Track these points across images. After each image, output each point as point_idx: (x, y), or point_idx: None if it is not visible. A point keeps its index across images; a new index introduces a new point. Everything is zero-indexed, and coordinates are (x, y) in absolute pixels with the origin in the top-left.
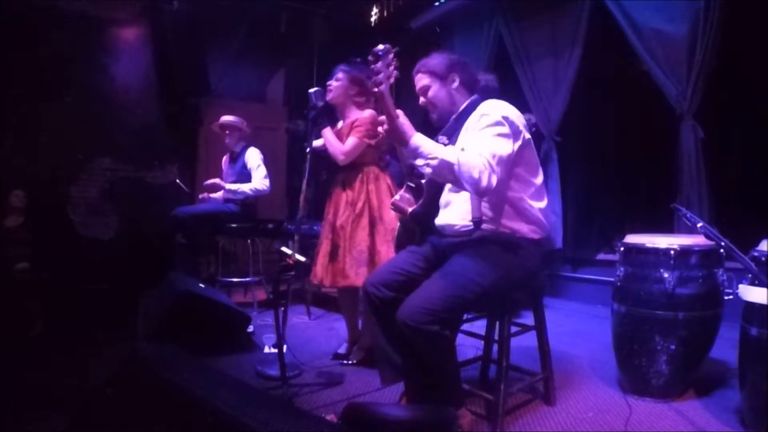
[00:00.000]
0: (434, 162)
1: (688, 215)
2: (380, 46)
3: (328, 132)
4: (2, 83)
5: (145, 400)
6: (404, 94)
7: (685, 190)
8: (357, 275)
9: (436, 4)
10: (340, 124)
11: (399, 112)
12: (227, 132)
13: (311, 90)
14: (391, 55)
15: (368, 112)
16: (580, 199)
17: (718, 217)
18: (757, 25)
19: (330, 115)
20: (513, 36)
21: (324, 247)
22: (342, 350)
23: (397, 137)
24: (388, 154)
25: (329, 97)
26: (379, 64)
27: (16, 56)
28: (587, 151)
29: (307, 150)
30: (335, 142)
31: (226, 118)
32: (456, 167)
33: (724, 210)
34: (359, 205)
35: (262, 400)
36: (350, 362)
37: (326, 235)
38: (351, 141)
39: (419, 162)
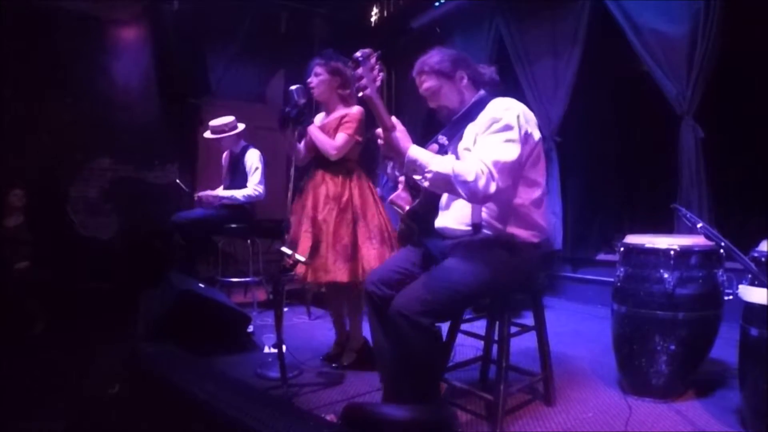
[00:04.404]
0: (429, 175)
1: (688, 215)
2: (358, 53)
3: (314, 128)
4: (2, 83)
5: (145, 400)
6: (405, 95)
7: (685, 190)
8: (339, 270)
9: (436, 4)
10: (321, 116)
11: (395, 121)
12: (222, 139)
13: (292, 87)
14: (373, 59)
15: (356, 108)
16: (580, 199)
17: (718, 217)
18: (757, 25)
19: (314, 111)
20: (513, 36)
21: (304, 242)
22: (331, 352)
23: (392, 150)
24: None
25: (315, 94)
26: (361, 70)
27: (16, 56)
28: (587, 151)
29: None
30: (324, 138)
31: (213, 126)
32: (452, 178)
33: (724, 210)
34: (344, 200)
35: (262, 400)
36: (341, 365)
37: (305, 229)
38: (341, 137)
39: (416, 177)
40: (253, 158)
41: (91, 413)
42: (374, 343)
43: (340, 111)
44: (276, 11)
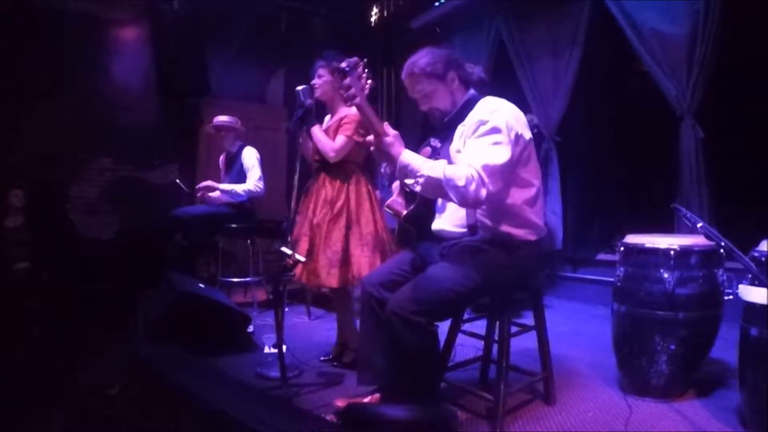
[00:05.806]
0: (421, 180)
1: (688, 215)
2: (344, 63)
3: (317, 130)
4: (2, 83)
5: (145, 400)
6: (405, 96)
7: (685, 190)
8: (329, 275)
9: (436, 4)
10: (327, 118)
11: (387, 127)
12: (222, 133)
13: (299, 88)
14: (360, 68)
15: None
16: (580, 199)
17: (718, 217)
18: (757, 25)
19: (318, 113)
20: (513, 36)
21: (302, 245)
22: (331, 353)
23: (384, 155)
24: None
25: (317, 94)
26: (348, 80)
27: (16, 56)
28: (587, 151)
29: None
30: (325, 140)
31: (220, 119)
32: (444, 182)
33: (724, 210)
34: (338, 204)
35: (262, 400)
36: (341, 365)
37: (305, 232)
38: (340, 139)
39: (408, 181)
40: (250, 156)
41: (91, 414)
42: (363, 344)
43: (342, 112)
44: (276, 11)
